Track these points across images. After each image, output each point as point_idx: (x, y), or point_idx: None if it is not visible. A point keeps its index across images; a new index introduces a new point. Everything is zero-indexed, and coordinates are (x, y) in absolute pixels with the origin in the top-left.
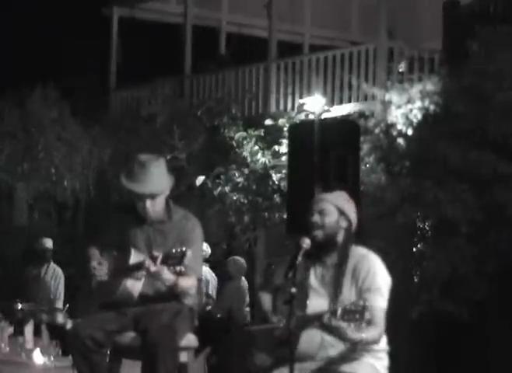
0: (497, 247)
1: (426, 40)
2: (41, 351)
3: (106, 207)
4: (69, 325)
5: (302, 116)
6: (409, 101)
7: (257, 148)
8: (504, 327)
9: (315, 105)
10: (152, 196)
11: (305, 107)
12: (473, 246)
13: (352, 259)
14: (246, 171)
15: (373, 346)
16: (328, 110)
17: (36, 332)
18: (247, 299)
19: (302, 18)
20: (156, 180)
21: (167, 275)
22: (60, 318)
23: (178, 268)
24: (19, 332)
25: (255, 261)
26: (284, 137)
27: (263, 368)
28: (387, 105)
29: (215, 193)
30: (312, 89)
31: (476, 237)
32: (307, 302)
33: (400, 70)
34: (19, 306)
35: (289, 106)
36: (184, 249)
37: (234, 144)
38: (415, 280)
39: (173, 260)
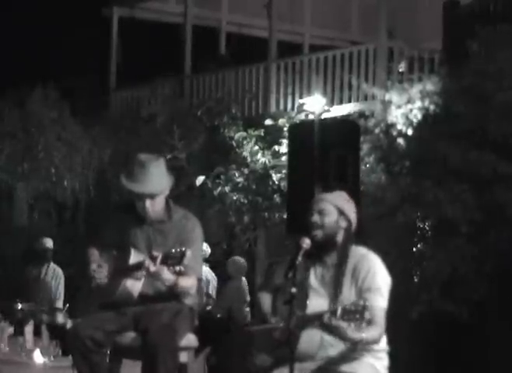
0: (497, 247)
1: (426, 40)
2: (41, 351)
3: (106, 207)
4: (69, 325)
5: (302, 116)
6: (409, 101)
7: (257, 148)
8: (504, 327)
9: (315, 105)
10: (152, 196)
11: (305, 107)
12: (473, 246)
13: (352, 259)
14: (246, 171)
15: (373, 346)
16: (328, 110)
17: (36, 333)
18: (248, 299)
19: (302, 18)
20: (155, 180)
21: (167, 275)
22: (60, 318)
23: (178, 268)
24: (19, 332)
25: (255, 261)
26: (284, 137)
27: (263, 368)
28: (387, 105)
29: (215, 193)
30: (312, 89)
31: (476, 237)
32: (307, 302)
33: (400, 70)
34: (19, 306)
35: (289, 106)
36: (183, 248)
37: (234, 144)
38: (415, 280)
39: (173, 260)
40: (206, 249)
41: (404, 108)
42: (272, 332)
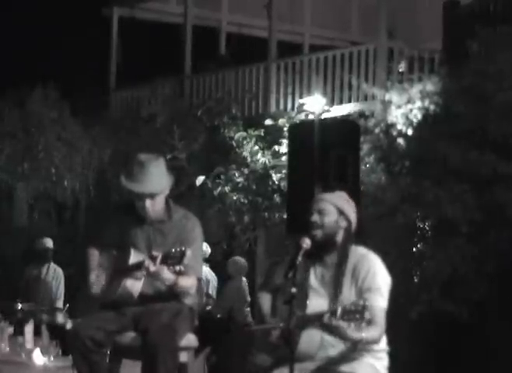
0: (497, 247)
1: (426, 40)
2: (41, 351)
3: (106, 207)
4: (69, 325)
5: (302, 116)
6: (409, 101)
7: (257, 148)
8: (504, 327)
9: (315, 105)
10: (152, 196)
11: (305, 107)
12: (473, 246)
13: (352, 259)
14: (246, 171)
15: (373, 346)
16: (328, 110)
17: (36, 333)
18: (248, 299)
19: (302, 18)
20: (155, 180)
21: (167, 275)
22: (60, 318)
23: (178, 267)
24: (19, 332)
25: (255, 261)
26: (284, 137)
27: (263, 368)
28: (387, 105)
29: (215, 193)
30: (312, 89)
31: (476, 237)
32: (307, 302)
33: (400, 70)
34: (19, 306)
35: (289, 106)
36: (183, 248)
37: (234, 144)
38: (415, 280)
39: (173, 260)
40: (206, 249)
41: (404, 108)
42: (272, 333)
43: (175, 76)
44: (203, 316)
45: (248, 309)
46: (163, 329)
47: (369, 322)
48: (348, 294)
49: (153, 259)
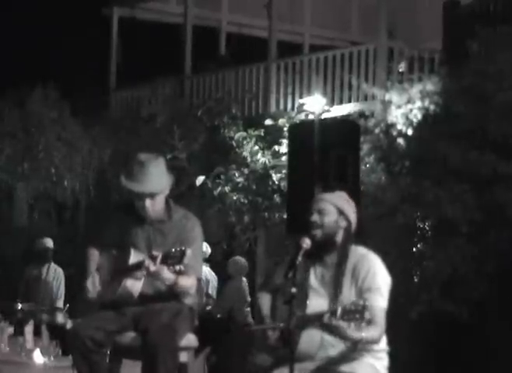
0: (497, 247)
1: (426, 40)
2: (41, 351)
3: (106, 207)
4: (69, 325)
5: (302, 116)
6: (409, 101)
7: (257, 148)
8: (504, 327)
9: (315, 105)
10: (152, 196)
11: (305, 107)
12: (473, 246)
13: (352, 259)
14: (246, 171)
15: (373, 346)
16: (328, 110)
17: (36, 333)
18: (248, 299)
19: (302, 18)
20: (155, 179)
21: (167, 274)
22: (60, 318)
23: (178, 267)
24: (19, 332)
25: (255, 261)
26: (284, 137)
27: (263, 368)
28: (387, 105)
29: (215, 193)
30: (312, 89)
31: (476, 237)
32: (307, 302)
33: (400, 70)
34: (19, 306)
35: (289, 106)
36: (183, 248)
37: (234, 144)
38: (415, 280)
39: (173, 260)
40: (206, 249)
41: (404, 108)
42: (271, 335)
43: (175, 76)
44: (203, 316)
45: (248, 309)
46: (163, 329)
47: (369, 322)
48: (348, 294)
49: (153, 259)
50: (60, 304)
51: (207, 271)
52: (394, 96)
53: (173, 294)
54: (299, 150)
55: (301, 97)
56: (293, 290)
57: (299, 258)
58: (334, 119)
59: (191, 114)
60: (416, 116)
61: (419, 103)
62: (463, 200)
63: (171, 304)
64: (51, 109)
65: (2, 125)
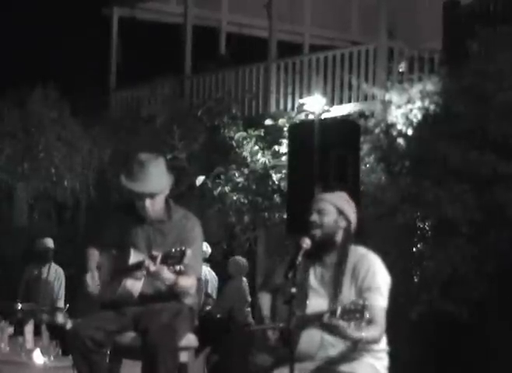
0: (497, 247)
1: (426, 40)
2: (41, 351)
3: (106, 207)
4: (69, 325)
5: (302, 116)
6: (409, 101)
7: (257, 148)
8: (504, 327)
9: (315, 105)
10: (152, 196)
11: (305, 107)
12: (473, 246)
13: (352, 259)
14: (246, 171)
15: (373, 346)
16: (328, 110)
17: (36, 333)
18: (248, 299)
19: (302, 18)
20: (155, 179)
21: (167, 274)
22: (60, 318)
23: (178, 267)
24: (19, 332)
25: (255, 261)
26: (284, 137)
27: (263, 368)
28: (387, 105)
29: (215, 193)
30: (312, 89)
31: (476, 237)
32: (307, 302)
33: (400, 70)
34: (19, 306)
35: (289, 106)
36: (183, 248)
37: (234, 144)
38: (415, 280)
39: (173, 260)
40: (206, 248)
41: (404, 108)
42: (270, 336)
43: (175, 76)
44: (203, 316)
45: (248, 309)
46: (163, 329)
47: (369, 322)
48: (348, 294)
49: (153, 259)
50: (60, 304)
51: (207, 271)
52: (394, 96)
53: (173, 294)
54: (299, 150)
55: (301, 97)
56: (293, 290)
57: (299, 258)
58: (334, 119)
59: (191, 114)
60: (416, 116)
61: (419, 103)
62: (463, 200)
63: (171, 304)
64: (51, 109)
65: (2, 125)
